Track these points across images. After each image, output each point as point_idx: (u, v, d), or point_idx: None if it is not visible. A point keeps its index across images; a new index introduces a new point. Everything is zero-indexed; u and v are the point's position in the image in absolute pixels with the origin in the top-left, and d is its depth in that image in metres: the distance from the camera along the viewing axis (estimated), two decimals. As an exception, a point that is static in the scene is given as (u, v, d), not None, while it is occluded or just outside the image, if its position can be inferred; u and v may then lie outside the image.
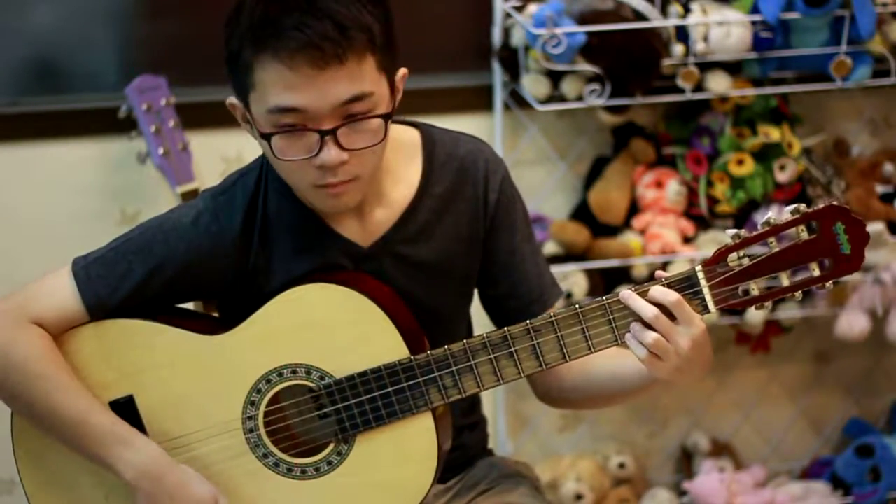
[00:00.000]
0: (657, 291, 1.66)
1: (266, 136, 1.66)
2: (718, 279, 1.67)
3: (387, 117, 1.68)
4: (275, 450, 1.78)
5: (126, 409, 1.77)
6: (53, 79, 2.73)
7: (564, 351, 1.72)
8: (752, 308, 1.69)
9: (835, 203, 1.65)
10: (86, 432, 1.73)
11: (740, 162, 2.83)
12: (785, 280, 1.68)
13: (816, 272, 1.67)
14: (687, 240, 2.89)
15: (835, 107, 3.03)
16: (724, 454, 3.10)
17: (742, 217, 2.91)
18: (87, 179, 2.73)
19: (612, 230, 2.89)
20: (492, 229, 1.87)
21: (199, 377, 1.77)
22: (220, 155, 2.72)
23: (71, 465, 1.79)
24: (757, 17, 2.70)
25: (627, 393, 1.84)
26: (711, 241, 2.89)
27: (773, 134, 2.84)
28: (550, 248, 2.84)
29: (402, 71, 1.73)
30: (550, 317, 1.71)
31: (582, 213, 2.91)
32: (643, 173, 2.89)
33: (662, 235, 2.84)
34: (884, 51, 2.77)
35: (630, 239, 2.86)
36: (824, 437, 3.21)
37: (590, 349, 1.71)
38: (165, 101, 2.59)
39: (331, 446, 1.77)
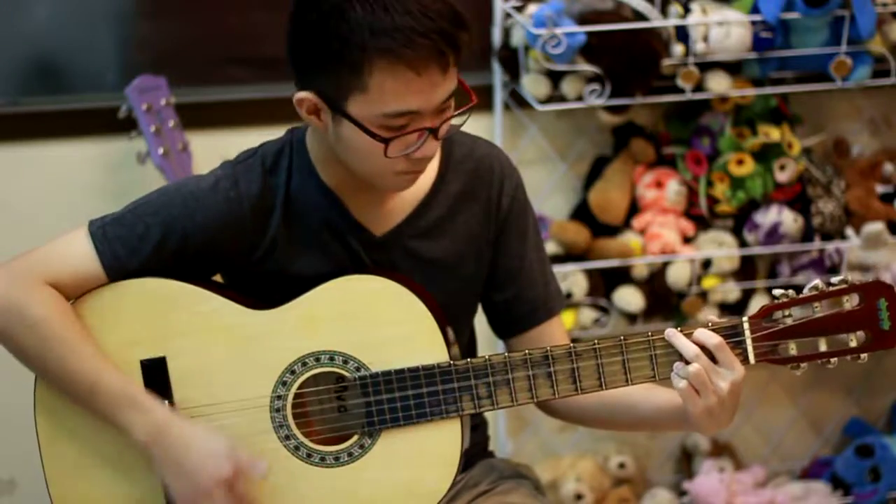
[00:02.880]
0: (701, 333, 1.71)
1: (385, 140, 1.66)
2: (762, 333, 1.72)
3: (470, 110, 1.72)
4: (298, 433, 1.78)
5: (156, 370, 1.77)
6: (53, 79, 2.73)
7: (602, 379, 1.74)
8: (789, 366, 1.75)
9: (882, 280, 1.73)
10: (97, 396, 1.73)
11: (740, 162, 2.84)
12: (822, 345, 1.73)
13: (854, 342, 1.73)
14: (687, 240, 2.89)
15: (835, 107, 3.03)
16: (724, 454, 3.10)
17: (742, 217, 2.91)
18: (87, 179, 2.73)
19: (612, 230, 2.89)
20: (502, 234, 1.88)
21: (236, 350, 1.77)
22: (220, 155, 2.69)
23: (87, 430, 1.79)
24: (757, 17, 2.70)
25: (639, 426, 1.88)
26: (711, 241, 2.89)
27: (773, 134, 2.84)
28: (550, 248, 2.84)
29: None
30: (593, 343, 1.74)
31: (582, 213, 2.91)
32: (643, 173, 2.89)
33: (662, 235, 2.84)
34: (884, 51, 2.77)
35: (630, 239, 2.86)
36: (824, 437, 3.21)
37: (627, 381, 1.74)
38: (165, 101, 2.59)
39: (354, 438, 1.78)
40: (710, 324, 1.73)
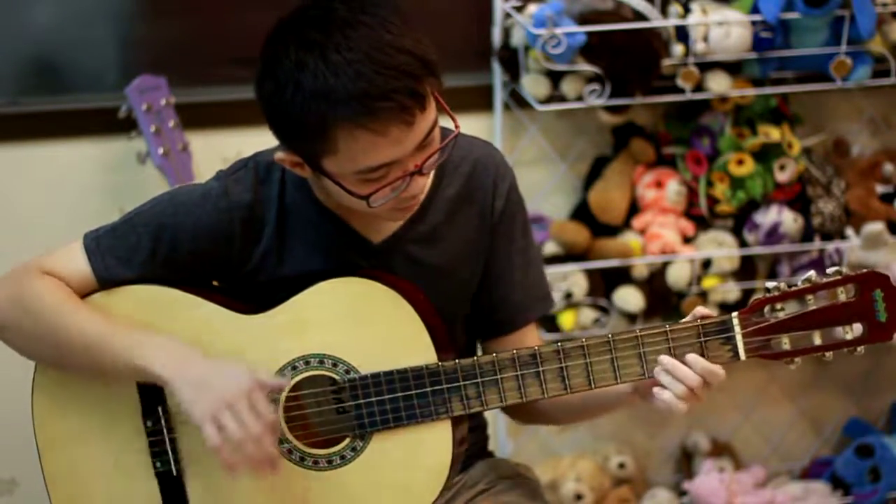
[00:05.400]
0: (696, 363, 1.68)
1: (365, 197, 1.65)
2: (752, 328, 1.70)
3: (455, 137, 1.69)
4: (290, 436, 1.78)
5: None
6: (53, 79, 2.73)
7: (591, 378, 1.73)
8: (782, 361, 1.72)
9: (878, 271, 1.69)
10: (110, 345, 1.73)
11: (740, 162, 2.84)
12: (817, 338, 1.70)
13: (849, 335, 1.70)
14: (687, 240, 2.89)
15: (835, 107, 3.03)
16: (724, 454, 3.10)
17: (742, 217, 2.91)
18: (87, 179, 2.73)
19: (612, 230, 2.89)
20: (493, 236, 1.87)
21: (227, 355, 1.76)
22: (220, 155, 2.72)
23: (84, 429, 1.80)
24: (757, 17, 2.70)
25: (598, 412, 1.89)
26: (711, 241, 2.89)
27: (773, 134, 2.84)
28: (550, 248, 2.84)
29: None
30: (581, 342, 1.73)
31: (582, 213, 2.91)
32: (643, 173, 2.89)
33: (662, 235, 2.84)
34: (884, 51, 2.77)
35: (630, 239, 2.86)
36: (824, 437, 3.21)
37: (616, 379, 1.73)
38: (165, 101, 2.59)
39: (346, 441, 1.77)
40: (699, 320, 1.70)
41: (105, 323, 1.75)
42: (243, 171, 1.81)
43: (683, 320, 1.73)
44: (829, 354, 1.71)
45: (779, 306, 1.70)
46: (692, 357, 1.69)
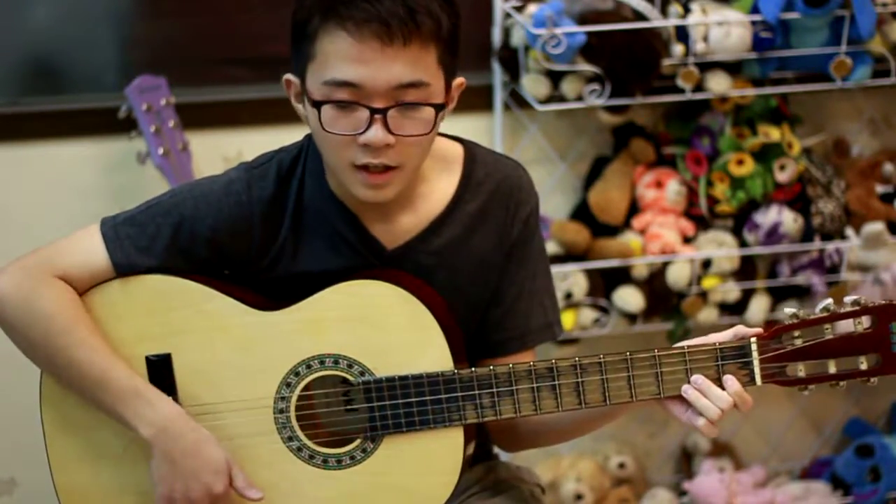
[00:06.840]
0: (734, 388, 1.71)
1: (317, 105, 1.66)
2: (770, 354, 1.71)
3: (439, 108, 1.69)
4: (301, 434, 1.78)
5: (161, 366, 1.78)
6: (53, 79, 2.73)
7: (606, 394, 1.73)
8: (796, 388, 1.74)
9: (895, 303, 1.69)
10: (105, 389, 1.73)
11: (740, 162, 2.84)
12: (832, 367, 1.72)
13: (864, 365, 1.71)
14: (687, 240, 2.89)
15: (835, 107, 3.03)
16: (724, 454, 3.10)
17: (742, 217, 2.91)
18: (87, 179, 2.73)
19: (612, 230, 2.89)
20: (506, 259, 1.86)
21: (241, 349, 1.77)
22: (220, 155, 2.73)
23: (93, 415, 1.79)
24: (757, 17, 2.70)
25: (586, 429, 1.88)
26: (711, 241, 2.89)
27: (773, 134, 2.84)
28: (550, 248, 2.84)
29: (460, 79, 1.74)
30: (599, 357, 1.73)
31: (582, 213, 2.91)
32: (643, 173, 2.89)
33: (662, 235, 2.85)
34: (884, 51, 2.78)
35: (630, 239, 2.87)
36: (824, 437, 3.21)
37: (632, 397, 1.73)
38: (165, 101, 2.59)
39: (357, 441, 1.78)
40: (717, 344, 1.71)
41: (107, 360, 1.74)
42: (267, 166, 1.81)
43: (716, 336, 1.73)
44: (843, 383, 1.72)
45: (796, 333, 1.70)
46: (729, 378, 1.71)
